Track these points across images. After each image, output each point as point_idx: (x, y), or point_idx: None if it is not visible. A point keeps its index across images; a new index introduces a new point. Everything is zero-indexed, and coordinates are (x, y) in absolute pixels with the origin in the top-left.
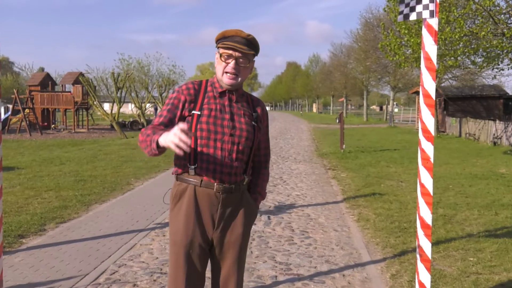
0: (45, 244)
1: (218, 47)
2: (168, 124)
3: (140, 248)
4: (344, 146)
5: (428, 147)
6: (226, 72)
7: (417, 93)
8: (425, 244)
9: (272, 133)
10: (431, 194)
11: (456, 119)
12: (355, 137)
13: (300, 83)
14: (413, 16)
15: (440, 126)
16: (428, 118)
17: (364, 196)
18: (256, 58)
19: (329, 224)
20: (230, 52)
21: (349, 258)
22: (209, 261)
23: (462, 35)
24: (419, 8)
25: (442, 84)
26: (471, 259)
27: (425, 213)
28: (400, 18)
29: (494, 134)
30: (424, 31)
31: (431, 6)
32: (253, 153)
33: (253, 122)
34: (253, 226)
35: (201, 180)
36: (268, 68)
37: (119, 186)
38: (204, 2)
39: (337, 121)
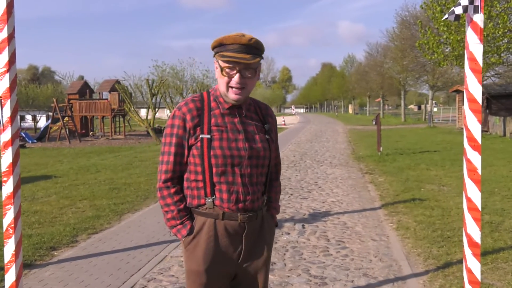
0: (76, 257)
1: (216, 57)
2: (181, 161)
3: (171, 260)
4: (381, 148)
5: (475, 157)
6: (231, 87)
7: (457, 91)
8: (474, 264)
9: (307, 136)
10: (479, 209)
11: (499, 118)
12: (392, 139)
13: (336, 84)
14: (458, 10)
15: (482, 125)
16: (474, 125)
17: (404, 201)
18: (289, 60)
19: (367, 233)
20: (232, 65)
21: (389, 270)
22: None
23: (505, 30)
24: (464, 1)
25: (485, 82)
26: None
27: (473, 230)
28: (451, 18)
29: None
30: (468, 29)
31: (476, 1)
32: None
33: (266, 136)
34: (287, 236)
35: (223, 213)
36: (301, 69)
37: (152, 194)
38: (236, 6)
39: (374, 123)
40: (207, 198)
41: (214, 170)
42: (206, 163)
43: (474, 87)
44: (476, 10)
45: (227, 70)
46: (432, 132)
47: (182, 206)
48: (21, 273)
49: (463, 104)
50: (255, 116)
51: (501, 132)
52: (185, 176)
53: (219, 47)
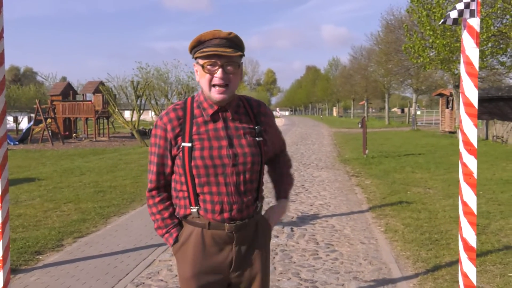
0: (62, 261)
1: (196, 58)
2: (164, 171)
3: (159, 264)
4: (367, 151)
5: (470, 161)
6: (214, 85)
7: (441, 95)
8: (470, 269)
9: (293, 138)
10: (475, 213)
11: (482, 122)
12: (377, 141)
13: (320, 87)
14: (454, 14)
15: None
16: (470, 129)
17: (391, 204)
18: (274, 63)
19: (355, 236)
20: (214, 60)
21: (379, 274)
22: None
23: (490, 35)
24: (459, 6)
25: None
26: (511, 274)
27: (469, 234)
28: (449, 22)
29: None
30: (465, 33)
31: (472, 5)
32: (276, 161)
33: (257, 138)
34: (276, 239)
35: (209, 222)
36: (285, 72)
37: (138, 197)
38: (219, 9)
39: (360, 125)
40: (192, 207)
41: (196, 180)
42: (188, 174)
43: (470, 91)
44: (472, 14)
45: (208, 66)
46: (416, 135)
47: (166, 215)
48: (9, 278)
49: (446, 108)
50: (245, 118)
51: (483, 136)
52: (173, 185)
53: (197, 46)
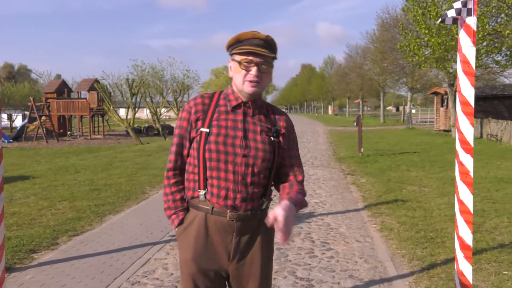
0: (57, 260)
1: (233, 54)
2: (182, 153)
3: (155, 263)
4: (362, 149)
5: (467, 160)
6: (247, 81)
7: (436, 93)
8: (466, 267)
9: None
10: (471, 211)
11: (476, 120)
12: (372, 140)
13: (316, 85)
14: (451, 13)
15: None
16: (466, 128)
17: (386, 203)
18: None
19: (351, 234)
20: (251, 58)
21: (374, 272)
22: None
23: (485, 34)
24: (457, 4)
25: None
26: (506, 272)
27: (465, 233)
28: (449, 21)
29: None
30: (461, 32)
31: (470, 4)
32: (281, 173)
33: (272, 138)
34: None
35: (212, 207)
36: (281, 70)
37: (133, 195)
38: (215, 7)
39: (355, 124)
40: (200, 191)
41: (207, 164)
42: (201, 157)
43: (467, 90)
44: (469, 13)
45: (245, 63)
46: (411, 133)
47: (178, 197)
48: (3, 277)
49: (441, 106)
50: (265, 118)
51: (478, 134)
52: (186, 168)
53: (236, 43)
